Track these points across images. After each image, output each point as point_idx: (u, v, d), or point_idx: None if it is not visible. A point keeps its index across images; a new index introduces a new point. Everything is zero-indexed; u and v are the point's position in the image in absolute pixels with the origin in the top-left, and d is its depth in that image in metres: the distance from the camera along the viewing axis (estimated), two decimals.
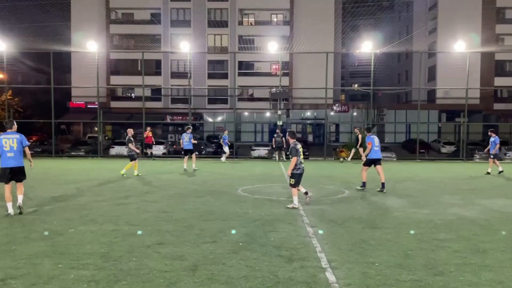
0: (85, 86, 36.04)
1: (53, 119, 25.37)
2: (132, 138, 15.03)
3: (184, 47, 26.20)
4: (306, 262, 5.36)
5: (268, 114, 44.47)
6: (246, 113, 46.67)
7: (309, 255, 5.66)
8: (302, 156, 9.09)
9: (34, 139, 36.71)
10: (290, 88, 41.31)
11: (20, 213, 8.05)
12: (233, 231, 6.87)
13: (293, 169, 8.95)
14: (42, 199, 9.83)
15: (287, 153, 21.88)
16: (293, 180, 8.99)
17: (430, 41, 46.95)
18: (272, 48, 25.48)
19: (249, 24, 46.87)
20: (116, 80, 44.00)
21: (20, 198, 8.13)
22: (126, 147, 15.72)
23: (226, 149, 22.14)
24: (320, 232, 6.91)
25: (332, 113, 43.29)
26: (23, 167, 8.24)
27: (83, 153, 28.47)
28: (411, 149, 33.10)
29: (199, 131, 45.11)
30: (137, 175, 14.86)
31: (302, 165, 9.09)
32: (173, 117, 44.65)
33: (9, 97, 33.11)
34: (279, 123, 24.98)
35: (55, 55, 26.28)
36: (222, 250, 5.84)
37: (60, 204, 9.23)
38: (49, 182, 13.12)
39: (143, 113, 25.24)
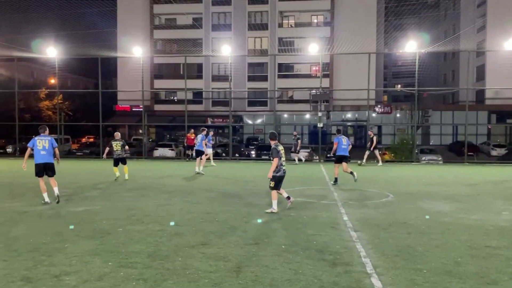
0: (130, 90, 37.28)
1: (100, 122, 26.41)
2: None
3: (225, 50, 26.52)
4: (351, 267, 5.28)
5: (307, 116, 44.19)
6: (285, 115, 46.62)
7: (353, 260, 5.57)
8: (284, 158, 8.70)
9: (82, 141, 38.40)
10: (330, 90, 40.86)
11: (58, 202, 9.46)
12: (275, 233, 6.88)
13: (274, 171, 8.57)
14: (91, 199, 10.26)
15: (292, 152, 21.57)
16: (273, 182, 8.61)
17: (478, 40, 45.00)
18: (312, 49, 25.32)
19: (289, 26, 46.83)
20: (159, 84, 45.23)
21: (56, 190, 9.60)
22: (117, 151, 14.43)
23: (209, 150, 20.35)
24: (364, 236, 6.78)
25: (374, 115, 42.40)
26: (52, 163, 9.84)
27: (128, 154, 29.40)
28: (458, 151, 31.85)
29: (239, 133, 45.54)
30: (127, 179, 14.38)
31: (284, 168, 8.67)
32: (213, 120, 45.33)
33: (60, 101, 34.87)
34: (320, 125, 24.75)
35: (103, 60, 27.37)
36: (265, 252, 5.86)
37: (108, 204, 9.58)
38: (97, 183, 13.65)
39: (185, 115, 25.76)
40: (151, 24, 46.68)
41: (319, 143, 25.39)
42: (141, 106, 30.84)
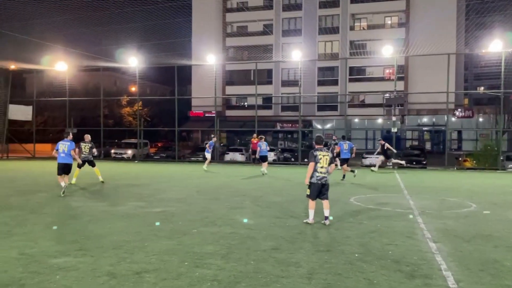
0: (204, 96, 38.60)
1: (176, 127, 27.68)
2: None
3: (295, 55, 26.55)
4: (430, 280, 4.99)
5: (380, 120, 42.72)
6: (356, 120, 45.47)
7: (433, 272, 5.26)
8: (322, 165, 7.89)
9: (159, 145, 40.45)
10: (405, 93, 39.18)
11: (63, 193, 11.31)
12: (347, 241, 6.72)
13: (310, 178, 8.00)
14: (168, 201, 10.75)
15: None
16: (308, 190, 8.03)
17: None
18: (386, 52, 24.48)
19: (361, 28, 45.72)
20: (231, 90, 46.37)
21: (62, 184, 11.67)
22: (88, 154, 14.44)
23: (208, 155, 20.60)
24: (445, 248, 6.39)
25: (453, 119, 39.92)
26: (69, 164, 11.93)
27: (201, 158, 30.43)
28: None
29: (308, 138, 45.19)
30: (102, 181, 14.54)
31: (318, 174, 7.89)
32: (283, 125, 45.47)
33: (140, 108, 37.11)
34: (394, 129, 23.80)
35: (179, 68, 28.69)
36: (337, 260, 5.74)
37: (183, 206, 9.98)
38: (173, 185, 14.29)
39: (255, 121, 26.13)
40: (224, 32, 48.07)
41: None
42: (213, 111, 31.82)
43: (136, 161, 28.33)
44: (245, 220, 8.11)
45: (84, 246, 6.29)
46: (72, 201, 10.71)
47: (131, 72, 32.84)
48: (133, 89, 48.82)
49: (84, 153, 14.39)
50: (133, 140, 33.72)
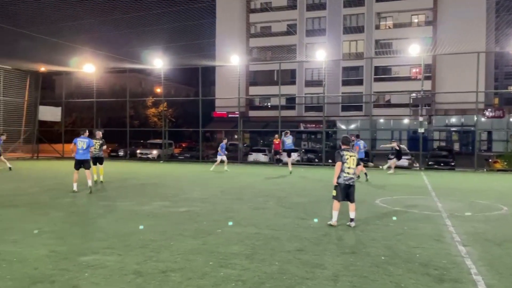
0: (228, 97, 38.78)
1: (200, 127, 27.91)
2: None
3: (319, 55, 26.34)
4: (459, 284, 4.86)
5: (406, 120, 41.94)
6: (381, 120, 44.77)
7: (463, 276, 5.12)
8: (349, 165, 7.74)
9: (184, 145, 40.89)
10: (433, 93, 38.34)
11: (90, 192, 11.69)
12: (373, 243, 6.61)
13: (337, 178, 7.81)
14: (192, 201, 10.84)
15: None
16: (335, 191, 7.84)
17: None
18: (413, 50, 23.99)
19: (387, 27, 45.02)
20: (254, 90, 46.44)
21: (89, 182, 12.05)
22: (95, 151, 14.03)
23: (223, 157, 20.26)
24: (475, 252, 6.21)
25: (483, 119, 38.80)
26: (88, 159, 12.40)
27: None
28: None
29: (332, 139, 44.80)
30: (101, 181, 14.40)
31: (345, 175, 7.73)
32: (306, 125, 45.22)
33: (164, 109, 37.62)
34: (421, 130, 23.31)
35: (203, 69, 28.92)
36: (363, 262, 5.65)
37: (207, 206, 10.04)
38: (198, 185, 14.41)
39: (278, 121, 26.07)
40: (247, 33, 48.20)
41: (419, 150, 23.91)
42: (237, 112, 31.93)
43: (161, 161, 28.71)
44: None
45: (111, 244, 6.41)
46: (100, 200, 10.93)
47: (156, 73, 33.33)
48: (158, 90, 49.51)
49: (94, 149, 13.99)
50: (158, 141, 34.20)
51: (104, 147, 14.58)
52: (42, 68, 30.06)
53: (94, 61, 30.05)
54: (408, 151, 21.21)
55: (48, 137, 31.83)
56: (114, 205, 10.13)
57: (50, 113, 30.84)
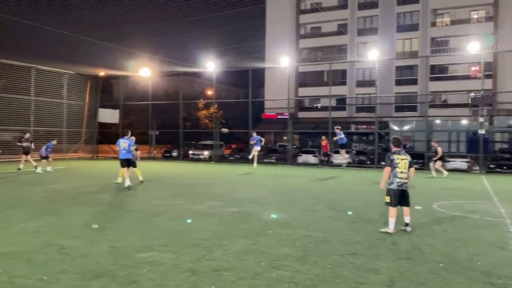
0: (277, 98, 38.82)
1: (250, 129, 28.17)
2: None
3: (372, 55, 25.75)
4: None
5: (464, 121, 39.90)
6: (437, 121, 42.88)
7: None
8: (402, 169, 7.33)
9: (233, 147, 41.43)
10: (494, 92, 36.22)
11: (129, 189, 12.61)
12: (430, 249, 6.36)
13: (388, 183, 7.46)
14: (242, 201, 10.97)
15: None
16: (388, 197, 7.46)
17: None
18: (472, 48, 22.83)
19: (443, 24, 43.11)
20: (303, 91, 46.14)
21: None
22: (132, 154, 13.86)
23: (255, 152, 20.26)
24: None
25: None
26: (130, 159, 13.30)
27: (274, 160, 30.65)
28: None
29: (384, 140, 43.53)
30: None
31: (398, 180, 7.34)
32: (357, 126, 44.25)
33: (215, 111, 38.33)
34: (481, 131, 22.11)
35: (253, 71, 29.17)
36: (419, 268, 5.46)
37: (257, 206, 10.12)
38: (248, 186, 14.56)
39: (329, 122, 25.75)
40: (297, 34, 48.01)
41: (480, 152, 22.70)
42: (286, 113, 31.88)
43: (212, 162, 29.28)
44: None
45: (167, 242, 6.63)
46: (155, 199, 11.33)
47: (207, 76, 34.03)
48: (209, 92, 50.52)
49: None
50: (209, 142, 34.91)
51: (138, 152, 14.78)
52: (102, 73, 31.65)
53: (150, 65, 31.21)
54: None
55: (106, 138, 33.46)
56: (169, 204, 10.47)
57: (109, 115, 32.43)
